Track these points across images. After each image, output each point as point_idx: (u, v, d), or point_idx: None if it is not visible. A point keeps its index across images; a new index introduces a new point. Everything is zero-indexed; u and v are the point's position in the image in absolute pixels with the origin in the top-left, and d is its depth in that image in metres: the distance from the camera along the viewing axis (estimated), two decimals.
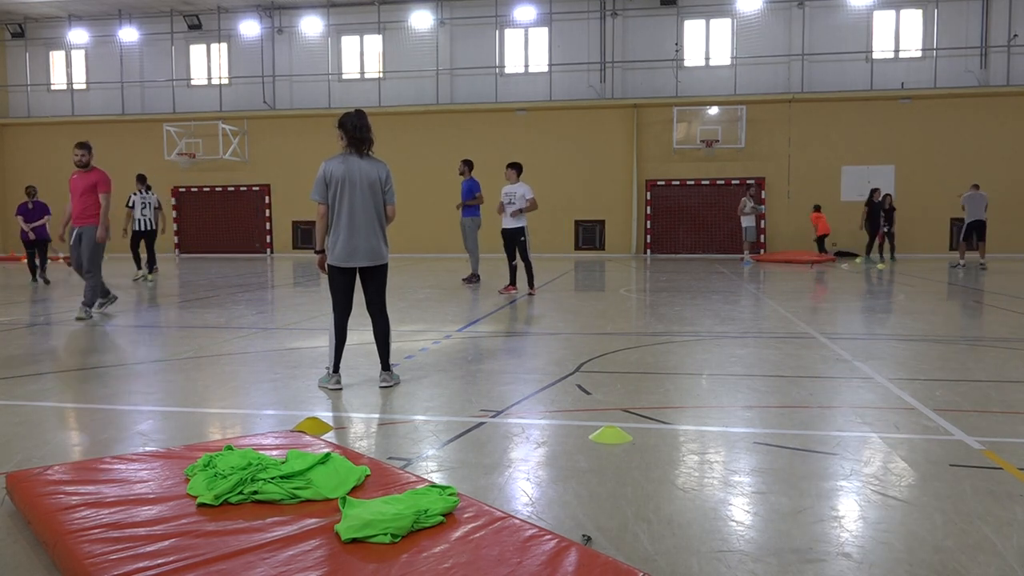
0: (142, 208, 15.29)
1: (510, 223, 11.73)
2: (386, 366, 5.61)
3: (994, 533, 2.94)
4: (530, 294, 11.85)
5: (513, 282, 12.10)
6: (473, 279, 13.68)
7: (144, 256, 15.47)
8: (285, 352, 7.10)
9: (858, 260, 20.17)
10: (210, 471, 3.19)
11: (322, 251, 5.51)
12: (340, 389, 5.48)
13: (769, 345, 7.29)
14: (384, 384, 5.55)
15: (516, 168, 11.89)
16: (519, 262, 11.94)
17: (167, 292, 13.18)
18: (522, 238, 11.73)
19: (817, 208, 21.69)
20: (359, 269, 5.49)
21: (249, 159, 25.75)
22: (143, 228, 15.23)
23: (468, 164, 14.00)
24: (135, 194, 15.43)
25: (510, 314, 9.86)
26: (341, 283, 5.49)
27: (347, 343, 5.65)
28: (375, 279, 5.55)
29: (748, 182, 22.22)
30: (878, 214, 19.89)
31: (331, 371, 5.53)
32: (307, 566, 2.48)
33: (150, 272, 15.27)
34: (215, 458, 3.30)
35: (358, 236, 5.38)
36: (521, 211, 11.57)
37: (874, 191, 20.14)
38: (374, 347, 5.68)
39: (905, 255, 21.36)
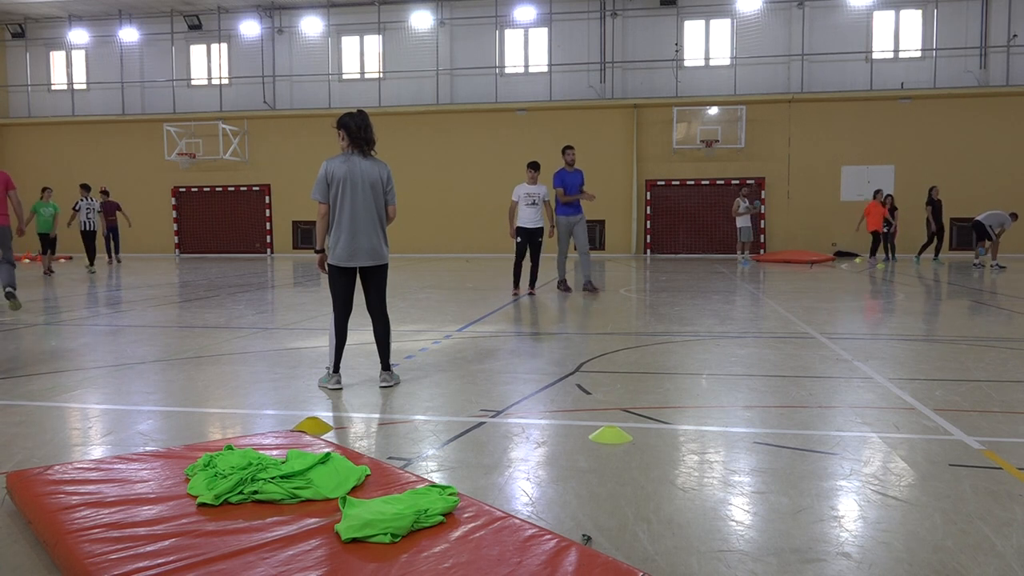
0: (87, 212, 18.25)
1: (534, 223, 11.60)
2: (386, 366, 5.62)
3: (994, 533, 2.94)
4: (530, 294, 11.87)
5: (518, 284, 12.03)
6: (564, 285, 12.42)
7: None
8: (285, 352, 7.10)
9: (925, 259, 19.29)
10: (210, 471, 3.19)
11: (323, 250, 5.53)
12: (340, 389, 5.49)
13: (769, 345, 7.29)
14: (384, 384, 5.56)
15: (537, 168, 11.68)
16: (524, 263, 11.84)
17: (167, 292, 13.19)
18: (540, 239, 11.67)
19: (883, 198, 19.84)
20: (360, 269, 5.51)
21: (249, 159, 25.76)
22: (88, 228, 18.14)
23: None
24: (81, 200, 18.32)
25: (510, 314, 9.86)
26: (342, 283, 5.50)
27: (347, 343, 5.65)
28: (376, 279, 5.57)
29: (748, 182, 22.27)
30: (939, 213, 19.21)
31: (331, 371, 5.54)
32: (307, 566, 2.48)
33: (91, 264, 17.86)
34: (215, 458, 3.30)
35: (359, 236, 5.39)
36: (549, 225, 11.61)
37: (932, 189, 19.35)
38: (374, 347, 5.68)
39: (904, 255, 21.34)
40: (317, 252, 5.55)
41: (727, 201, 22.99)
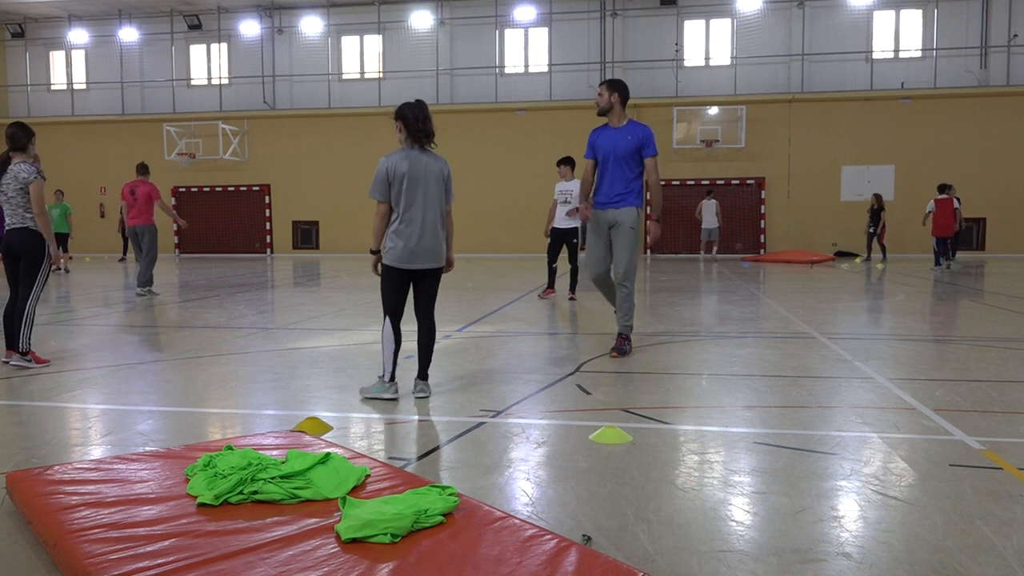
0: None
1: (566, 222, 10.96)
2: (424, 375, 5.23)
3: (994, 533, 2.94)
4: (571, 298, 11.19)
5: (552, 285, 11.53)
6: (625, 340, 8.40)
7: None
8: (285, 352, 7.10)
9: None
10: (210, 471, 3.19)
11: (378, 251, 5.12)
12: (397, 400, 5.08)
13: (769, 345, 7.29)
14: (421, 395, 5.15)
15: (571, 164, 10.97)
16: (555, 265, 11.40)
17: (167, 293, 13.19)
18: (575, 240, 11.02)
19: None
20: (414, 271, 5.08)
21: (249, 159, 25.75)
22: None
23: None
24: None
25: (510, 314, 9.86)
26: (398, 285, 5.06)
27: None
28: (430, 282, 5.16)
29: (718, 182, 22.76)
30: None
31: (387, 380, 5.08)
32: (307, 566, 2.48)
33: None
34: (215, 458, 3.30)
35: (424, 237, 4.98)
36: (576, 210, 10.68)
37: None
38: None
39: (905, 255, 21.35)
40: (373, 253, 5.14)
41: (727, 201, 23.01)
